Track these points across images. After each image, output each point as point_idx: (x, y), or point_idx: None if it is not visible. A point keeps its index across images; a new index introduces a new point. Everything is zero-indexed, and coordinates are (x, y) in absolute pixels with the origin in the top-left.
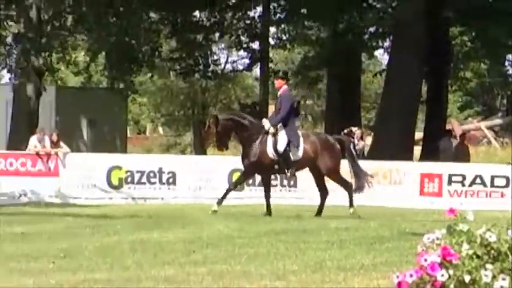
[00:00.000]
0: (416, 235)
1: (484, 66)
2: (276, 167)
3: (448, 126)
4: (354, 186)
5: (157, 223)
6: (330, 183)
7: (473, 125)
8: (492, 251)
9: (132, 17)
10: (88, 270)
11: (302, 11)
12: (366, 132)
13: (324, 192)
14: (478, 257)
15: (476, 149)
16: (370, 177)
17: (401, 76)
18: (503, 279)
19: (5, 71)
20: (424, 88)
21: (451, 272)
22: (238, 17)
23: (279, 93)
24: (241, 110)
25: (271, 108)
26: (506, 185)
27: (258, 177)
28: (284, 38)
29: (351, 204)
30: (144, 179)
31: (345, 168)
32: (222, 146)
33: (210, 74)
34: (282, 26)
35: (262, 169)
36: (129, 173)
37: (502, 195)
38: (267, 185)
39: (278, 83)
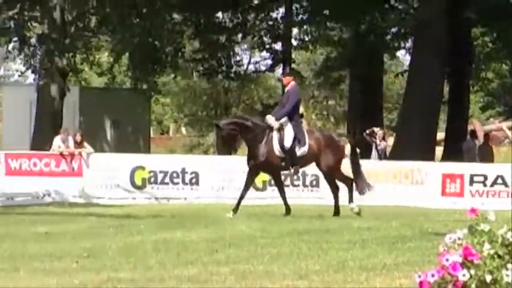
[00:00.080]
0: (438, 235)
1: (506, 67)
2: (283, 164)
3: (469, 127)
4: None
5: (180, 223)
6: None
7: (495, 126)
8: None
9: (156, 18)
10: (111, 269)
11: (324, 12)
12: (388, 132)
13: (334, 188)
14: (499, 256)
15: (497, 149)
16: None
17: (423, 76)
18: None
19: (29, 71)
20: (446, 88)
21: (472, 271)
22: (261, 18)
23: (286, 88)
24: (263, 110)
25: None
26: None
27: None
28: (306, 39)
29: (351, 200)
30: (167, 179)
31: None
32: (230, 150)
33: (232, 74)
34: (305, 27)
35: (271, 169)
36: (152, 173)
37: None
38: (279, 185)
39: (286, 79)
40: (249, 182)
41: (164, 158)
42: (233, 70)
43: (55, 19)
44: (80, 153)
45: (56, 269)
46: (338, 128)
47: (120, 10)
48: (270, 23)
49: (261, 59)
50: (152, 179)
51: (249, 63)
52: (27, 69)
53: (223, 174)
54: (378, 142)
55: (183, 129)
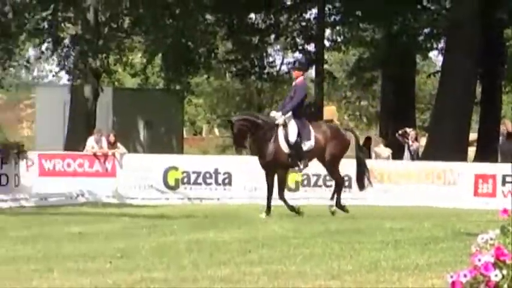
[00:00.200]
0: (471, 235)
1: None
2: (290, 160)
3: (502, 128)
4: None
5: (213, 223)
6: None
7: None
8: None
9: (189, 19)
10: (145, 269)
11: (357, 12)
12: (420, 133)
13: (340, 182)
14: None
15: None
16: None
17: (456, 77)
18: None
19: (63, 72)
20: (478, 89)
21: (504, 272)
22: (294, 19)
23: (294, 83)
24: None
25: (326, 109)
26: None
27: (312, 178)
28: (339, 39)
29: (332, 198)
30: (200, 180)
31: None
32: (239, 147)
33: (265, 75)
34: (337, 27)
35: (279, 167)
36: (185, 174)
37: None
38: (281, 185)
39: (296, 73)
40: (270, 182)
41: (197, 158)
42: (266, 71)
43: (89, 20)
44: (114, 154)
45: (90, 269)
46: (370, 129)
47: (153, 11)
48: (303, 24)
49: (294, 60)
50: (185, 180)
51: (281, 64)
52: (61, 69)
53: (255, 174)
54: (410, 143)
55: (216, 130)
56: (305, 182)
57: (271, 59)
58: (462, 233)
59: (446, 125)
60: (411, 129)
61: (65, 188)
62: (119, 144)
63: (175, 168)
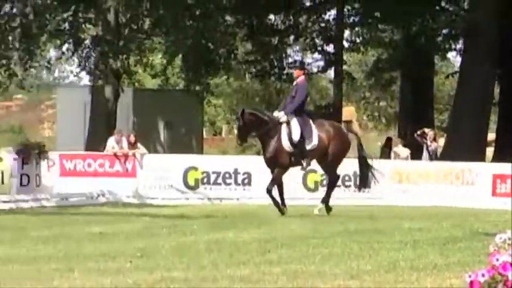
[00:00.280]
0: (489, 235)
1: None
2: (293, 159)
3: None
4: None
5: (232, 223)
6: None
7: None
8: None
9: (209, 20)
10: (165, 269)
11: (376, 14)
12: (438, 133)
13: (334, 180)
14: None
15: None
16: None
17: (474, 78)
18: None
19: (83, 73)
20: (496, 90)
21: None
22: (313, 20)
23: (295, 82)
24: (315, 111)
25: (345, 110)
26: None
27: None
28: (358, 40)
29: (323, 201)
30: (219, 180)
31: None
32: (242, 140)
33: (284, 76)
34: (356, 28)
35: (278, 165)
36: (205, 174)
37: None
38: (276, 179)
39: (297, 72)
40: (280, 180)
41: (217, 158)
42: (285, 72)
43: (109, 21)
44: (134, 154)
45: (110, 268)
46: (389, 129)
47: (173, 12)
48: (322, 25)
49: (313, 61)
50: (205, 180)
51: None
52: (82, 70)
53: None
54: (428, 143)
55: (236, 131)
56: (324, 182)
57: (290, 60)
58: (480, 232)
59: (465, 126)
60: (430, 130)
61: (85, 188)
62: (139, 145)
63: (195, 169)
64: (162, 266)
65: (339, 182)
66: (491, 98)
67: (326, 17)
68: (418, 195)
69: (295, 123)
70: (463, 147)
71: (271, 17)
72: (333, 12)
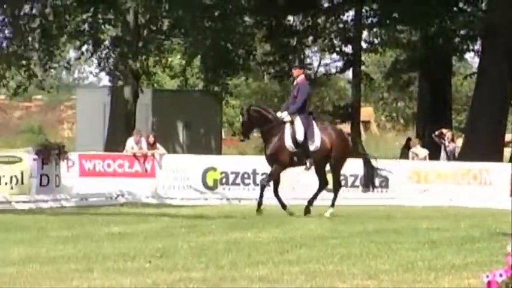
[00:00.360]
0: (506, 235)
1: None
2: (295, 159)
3: None
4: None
5: (251, 223)
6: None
7: None
8: None
9: (227, 21)
10: (184, 269)
11: (394, 15)
12: (456, 134)
13: (323, 183)
14: None
15: None
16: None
17: (492, 78)
18: None
19: (103, 73)
20: None
21: None
22: (331, 21)
23: (295, 81)
24: (334, 112)
25: (363, 111)
26: None
27: (350, 179)
28: (376, 41)
29: (332, 205)
30: (238, 180)
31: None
32: (245, 136)
33: None
34: (374, 29)
35: (277, 163)
36: (223, 174)
37: None
38: (272, 175)
39: (296, 72)
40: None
41: (235, 159)
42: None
43: (128, 22)
44: (153, 155)
45: (129, 268)
46: (407, 130)
47: (192, 13)
48: (340, 25)
49: (331, 61)
50: (224, 180)
51: (319, 65)
52: (101, 71)
53: (294, 174)
54: (446, 143)
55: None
56: (342, 183)
57: (308, 61)
58: (498, 233)
59: (482, 126)
60: (447, 130)
61: (105, 188)
62: (158, 145)
63: (214, 169)
64: (181, 266)
65: (357, 182)
66: (508, 99)
67: (344, 18)
68: (436, 196)
69: (299, 123)
70: (481, 147)
71: (290, 18)
72: (351, 13)
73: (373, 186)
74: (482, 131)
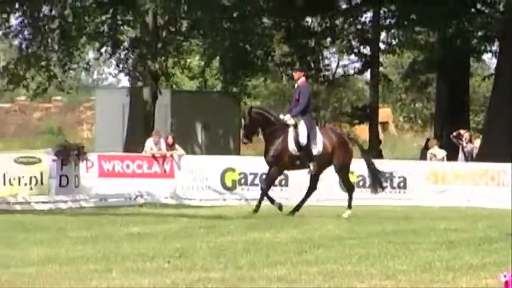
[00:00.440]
0: None
1: None
2: (298, 162)
3: None
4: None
5: (269, 224)
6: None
7: None
8: None
9: (246, 22)
10: (203, 269)
11: (412, 16)
12: (474, 134)
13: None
14: None
15: None
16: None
17: (509, 79)
18: None
19: (122, 75)
20: None
21: None
22: (349, 22)
23: (296, 84)
24: (352, 113)
25: (381, 112)
26: None
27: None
28: (394, 42)
29: (349, 206)
30: (257, 181)
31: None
32: (247, 139)
33: (321, 78)
34: (392, 31)
35: (279, 165)
36: (242, 175)
37: None
38: (272, 177)
39: (297, 74)
40: (275, 179)
41: (254, 159)
42: (322, 74)
43: (147, 23)
44: (172, 155)
45: (148, 269)
46: (425, 131)
47: (211, 14)
48: (358, 27)
49: (349, 62)
50: (242, 181)
51: (337, 66)
52: (120, 72)
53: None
54: (464, 144)
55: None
56: (360, 183)
57: (326, 62)
58: None
59: (500, 127)
60: (465, 131)
61: (124, 189)
62: (177, 146)
63: (233, 170)
64: (199, 266)
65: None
66: None
67: (362, 19)
68: (453, 196)
69: (302, 126)
70: (499, 148)
71: (308, 19)
72: (369, 14)
73: (381, 187)
74: (499, 131)
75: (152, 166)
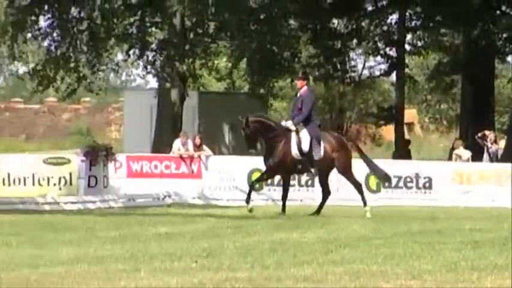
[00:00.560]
0: None
1: None
2: (300, 166)
3: None
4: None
5: (296, 224)
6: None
7: None
8: None
9: (273, 24)
10: (230, 269)
11: (437, 18)
12: (499, 135)
13: (326, 193)
14: None
15: None
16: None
17: None
18: None
19: (150, 76)
20: None
21: None
22: (375, 24)
23: (299, 93)
24: (378, 113)
25: (407, 112)
26: None
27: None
28: (419, 44)
29: (364, 203)
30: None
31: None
32: (251, 148)
33: (347, 79)
34: (418, 32)
35: (283, 169)
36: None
37: None
38: (286, 186)
39: (300, 83)
40: (265, 180)
41: None
42: (348, 75)
43: (175, 25)
44: (199, 156)
45: (176, 268)
46: (450, 131)
47: (238, 16)
48: (384, 28)
49: (376, 64)
50: (269, 181)
51: (363, 68)
52: (148, 73)
53: (337, 175)
54: (489, 145)
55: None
56: (386, 184)
57: (353, 63)
58: None
59: None
60: (490, 132)
61: (152, 189)
62: (204, 147)
63: (260, 170)
64: (226, 266)
65: (401, 183)
66: None
67: (388, 21)
68: (478, 197)
69: (305, 133)
70: None
71: (335, 21)
72: (395, 16)
73: (388, 178)
74: None
75: (180, 167)
